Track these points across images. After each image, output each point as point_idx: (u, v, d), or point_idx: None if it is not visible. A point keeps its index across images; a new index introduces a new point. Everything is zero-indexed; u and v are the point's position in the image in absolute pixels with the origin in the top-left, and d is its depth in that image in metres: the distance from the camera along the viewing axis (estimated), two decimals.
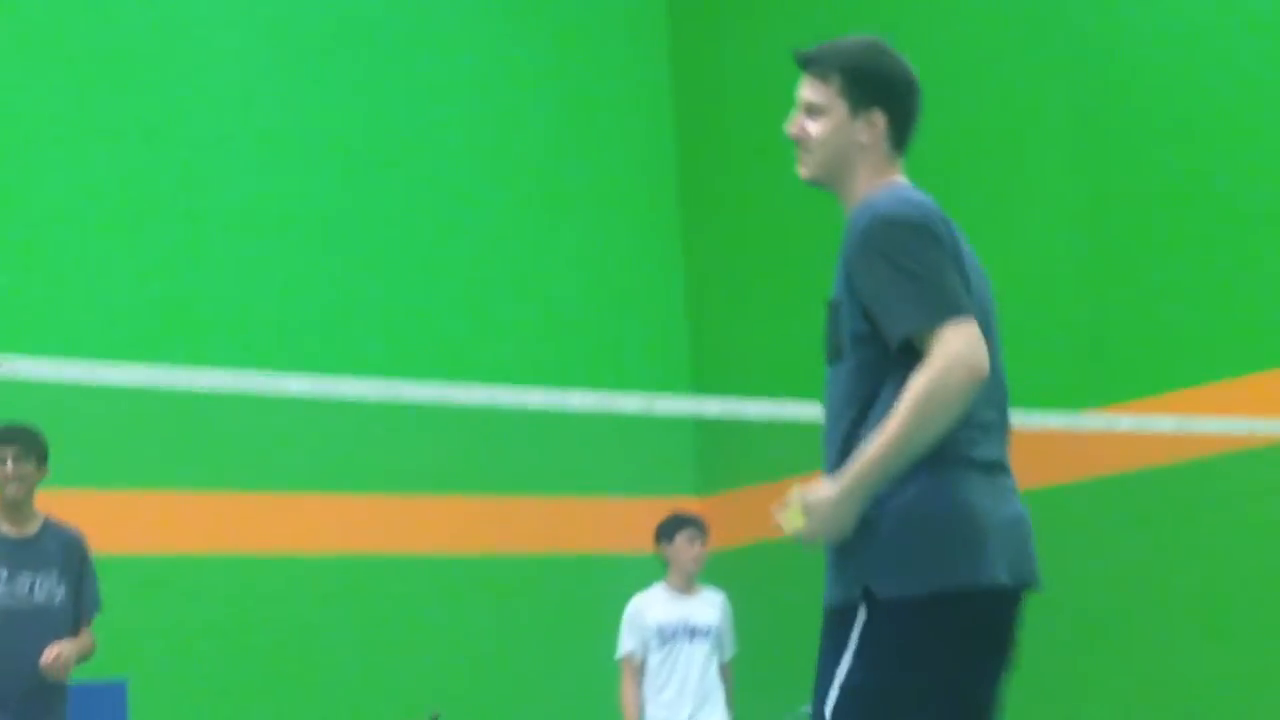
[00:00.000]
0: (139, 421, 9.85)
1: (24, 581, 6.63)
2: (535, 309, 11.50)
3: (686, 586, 8.08)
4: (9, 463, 6.59)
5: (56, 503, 7.57)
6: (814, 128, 3.67)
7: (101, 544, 8.13)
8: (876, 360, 3.46)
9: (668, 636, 7.91)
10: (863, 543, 3.41)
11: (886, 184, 3.63)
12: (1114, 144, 9.34)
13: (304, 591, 10.33)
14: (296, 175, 10.81)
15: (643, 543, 9.44)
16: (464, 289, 11.26)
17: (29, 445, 6.62)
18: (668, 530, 8.11)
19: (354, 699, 10.25)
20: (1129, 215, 9.21)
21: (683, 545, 8.04)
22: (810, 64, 3.69)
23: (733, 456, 11.40)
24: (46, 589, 6.66)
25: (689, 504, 11.45)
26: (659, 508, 9.88)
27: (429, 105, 11.38)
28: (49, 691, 6.60)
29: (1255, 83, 8.67)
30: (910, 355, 3.42)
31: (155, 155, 10.34)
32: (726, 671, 8.09)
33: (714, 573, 11.05)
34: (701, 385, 11.75)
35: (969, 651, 3.41)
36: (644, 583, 8.33)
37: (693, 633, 7.94)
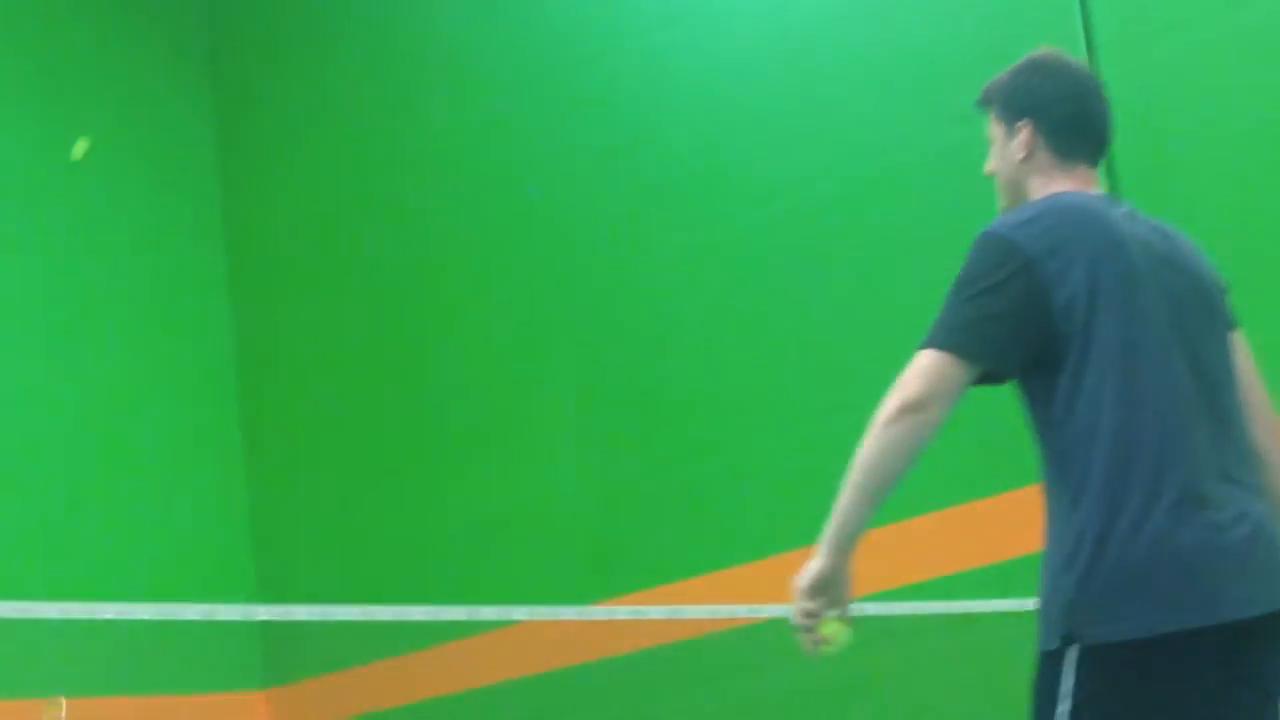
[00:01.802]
0: None
1: None
2: (100, 522, 11.86)
3: None
4: None
5: None
6: (991, 159, 3.82)
7: None
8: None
9: None
10: (1066, 583, 3.35)
11: (1047, 195, 3.67)
12: (612, 373, 10.52)
13: None
14: None
15: None
16: (29, 506, 11.59)
17: None
18: None
19: None
20: (625, 439, 10.40)
21: None
22: (980, 106, 3.86)
23: (296, 650, 11.91)
24: None
25: (254, 697, 12.08)
26: (226, 702, 10.44)
27: None
28: None
29: (737, 314, 10.12)
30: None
31: None
32: None
33: None
34: (265, 589, 12.27)
35: (1181, 695, 3.29)
36: None
37: None
